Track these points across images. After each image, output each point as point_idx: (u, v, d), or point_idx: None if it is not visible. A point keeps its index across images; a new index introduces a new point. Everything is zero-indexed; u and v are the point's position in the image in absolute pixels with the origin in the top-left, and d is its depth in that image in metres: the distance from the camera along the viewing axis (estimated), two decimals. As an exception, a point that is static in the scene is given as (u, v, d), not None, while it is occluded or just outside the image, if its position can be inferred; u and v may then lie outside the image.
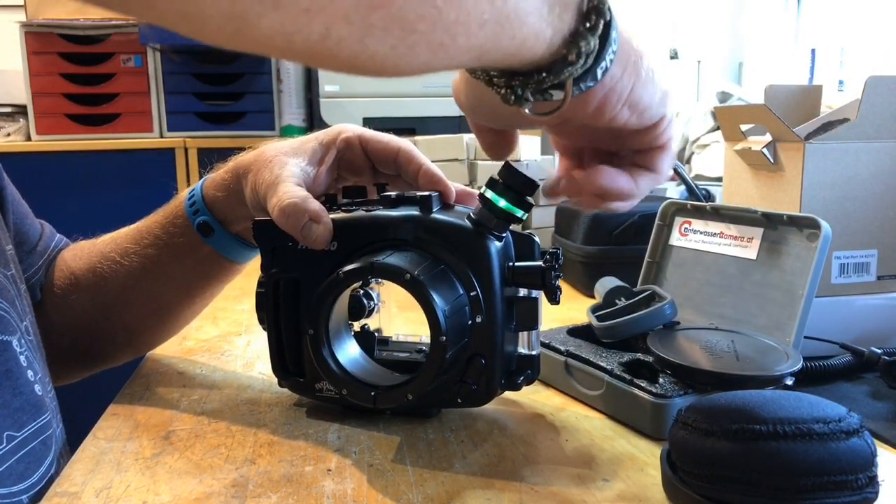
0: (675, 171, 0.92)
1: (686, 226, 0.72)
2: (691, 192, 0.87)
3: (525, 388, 0.63)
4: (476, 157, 1.27)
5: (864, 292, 0.70)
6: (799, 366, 0.52)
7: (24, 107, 2.25)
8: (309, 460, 0.50)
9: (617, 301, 0.66)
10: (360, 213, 0.53)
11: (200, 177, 0.65)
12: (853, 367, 0.65)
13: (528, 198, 0.48)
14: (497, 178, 0.48)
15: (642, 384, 0.53)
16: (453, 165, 1.25)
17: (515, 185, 0.47)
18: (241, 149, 0.61)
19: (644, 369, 0.57)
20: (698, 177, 1.31)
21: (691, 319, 0.66)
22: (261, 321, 0.57)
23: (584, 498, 0.44)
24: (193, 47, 2.23)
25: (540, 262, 0.50)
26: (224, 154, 0.64)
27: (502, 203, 0.48)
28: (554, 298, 0.50)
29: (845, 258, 0.69)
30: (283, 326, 0.55)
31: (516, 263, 0.51)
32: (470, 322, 0.49)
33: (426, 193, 0.51)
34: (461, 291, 0.49)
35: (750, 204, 0.72)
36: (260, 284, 0.56)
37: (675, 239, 0.73)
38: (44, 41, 2.21)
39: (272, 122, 2.32)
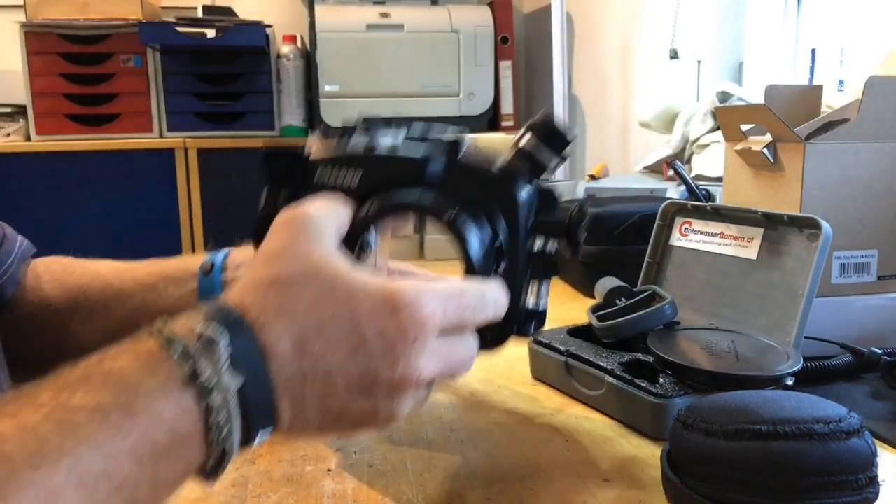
0: (676, 170, 0.92)
1: (686, 226, 0.72)
2: (691, 192, 0.88)
3: (525, 389, 0.63)
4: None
5: (864, 292, 0.70)
6: (799, 366, 0.52)
7: (24, 107, 2.25)
8: (309, 460, 0.50)
9: (617, 301, 0.66)
10: (384, 150, 0.50)
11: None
12: (853, 367, 0.65)
13: (562, 150, 0.48)
14: (533, 126, 0.47)
15: (642, 384, 0.53)
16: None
17: (550, 135, 0.47)
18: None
19: (644, 369, 0.57)
20: (698, 177, 1.31)
21: (691, 319, 0.66)
22: None
23: (584, 498, 0.44)
24: (193, 47, 2.23)
25: (566, 218, 0.50)
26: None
27: (535, 152, 0.47)
28: (576, 250, 0.50)
29: (846, 258, 0.69)
30: None
31: (540, 215, 0.50)
32: (494, 268, 0.48)
33: (453, 137, 0.50)
34: (489, 236, 0.48)
35: (750, 204, 0.72)
36: (261, 219, 0.49)
37: (676, 239, 0.73)
38: (44, 41, 2.21)
39: (272, 122, 2.32)
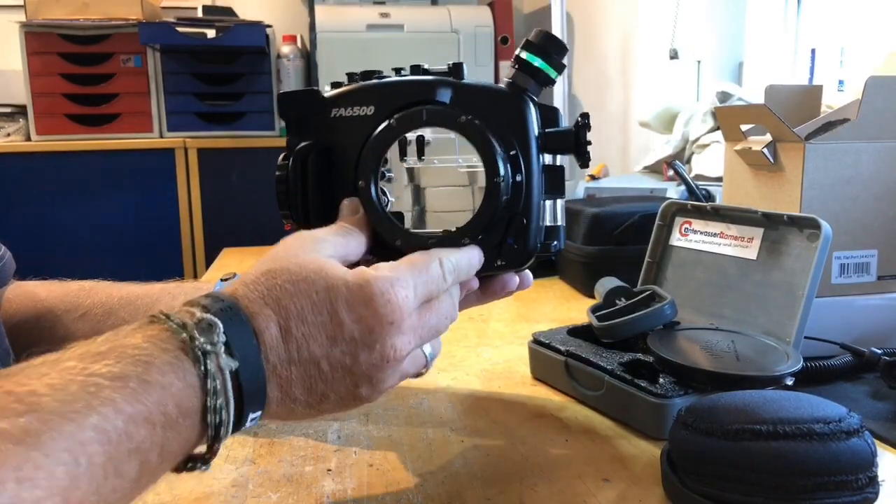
0: (676, 171, 0.92)
1: (686, 226, 0.72)
2: (691, 192, 0.88)
3: (525, 389, 0.63)
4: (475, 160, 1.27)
5: (864, 292, 0.70)
6: (799, 366, 0.52)
7: (24, 107, 2.25)
8: (309, 460, 0.50)
9: (617, 301, 0.66)
10: (395, 78, 0.52)
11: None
12: (853, 367, 0.65)
13: (561, 60, 0.50)
14: (531, 40, 0.49)
15: (642, 384, 0.53)
16: (451, 169, 1.25)
17: (549, 46, 0.49)
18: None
19: (644, 369, 0.57)
20: (698, 177, 1.31)
21: (691, 319, 0.66)
22: (283, 207, 0.51)
23: (584, 498, 0.44)
24: (193, 47, 2.23)
25: (571, 127, 0.51)
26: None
27: (537, 63, 0.49)
28: (585, 162, 0.51)
29: (845, 258, 0.69)
30: (314, 207, 0.51)
31: (547, 129, 0.51)
32: (511, 180, 0.50)
33: (457, 61, 0.52)
34: (504, 146, 0.50)
35: (750, 204, 0.72)
36: (280, 168, 0.51)
37: (676, 239, 0.73)
38: (44, 41, 2.21)
39: (272, 122, 2.32)
